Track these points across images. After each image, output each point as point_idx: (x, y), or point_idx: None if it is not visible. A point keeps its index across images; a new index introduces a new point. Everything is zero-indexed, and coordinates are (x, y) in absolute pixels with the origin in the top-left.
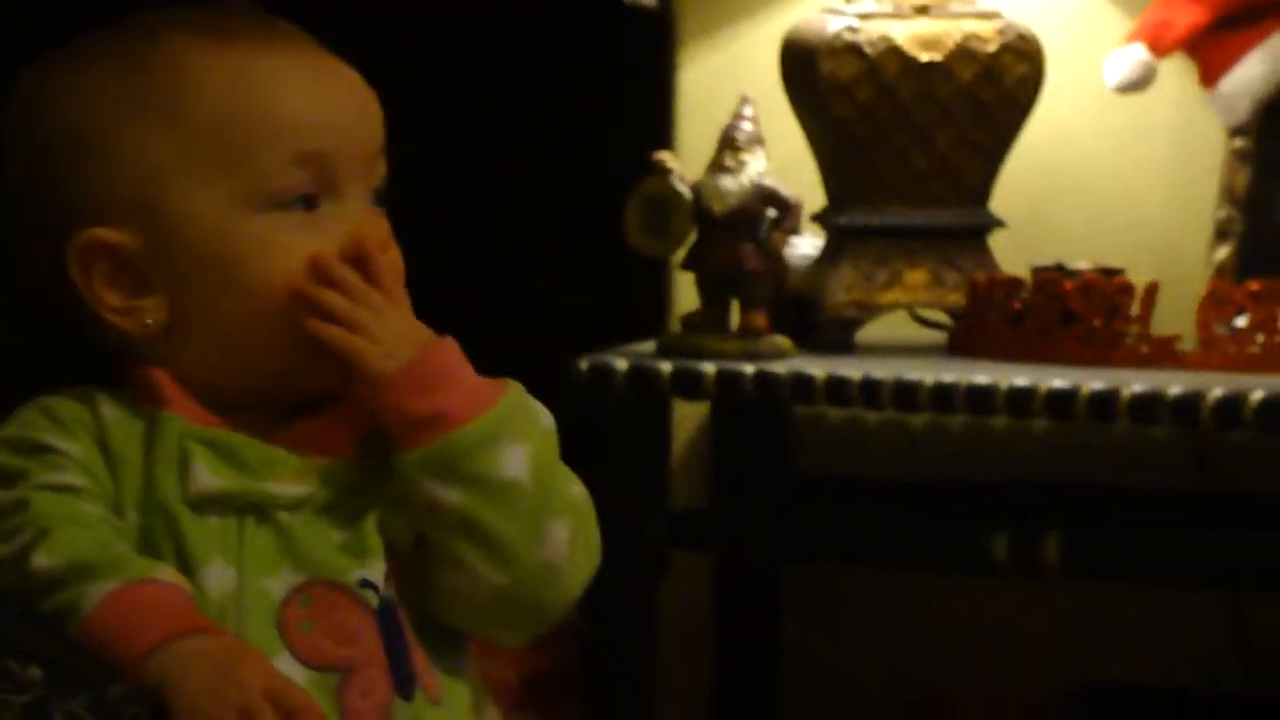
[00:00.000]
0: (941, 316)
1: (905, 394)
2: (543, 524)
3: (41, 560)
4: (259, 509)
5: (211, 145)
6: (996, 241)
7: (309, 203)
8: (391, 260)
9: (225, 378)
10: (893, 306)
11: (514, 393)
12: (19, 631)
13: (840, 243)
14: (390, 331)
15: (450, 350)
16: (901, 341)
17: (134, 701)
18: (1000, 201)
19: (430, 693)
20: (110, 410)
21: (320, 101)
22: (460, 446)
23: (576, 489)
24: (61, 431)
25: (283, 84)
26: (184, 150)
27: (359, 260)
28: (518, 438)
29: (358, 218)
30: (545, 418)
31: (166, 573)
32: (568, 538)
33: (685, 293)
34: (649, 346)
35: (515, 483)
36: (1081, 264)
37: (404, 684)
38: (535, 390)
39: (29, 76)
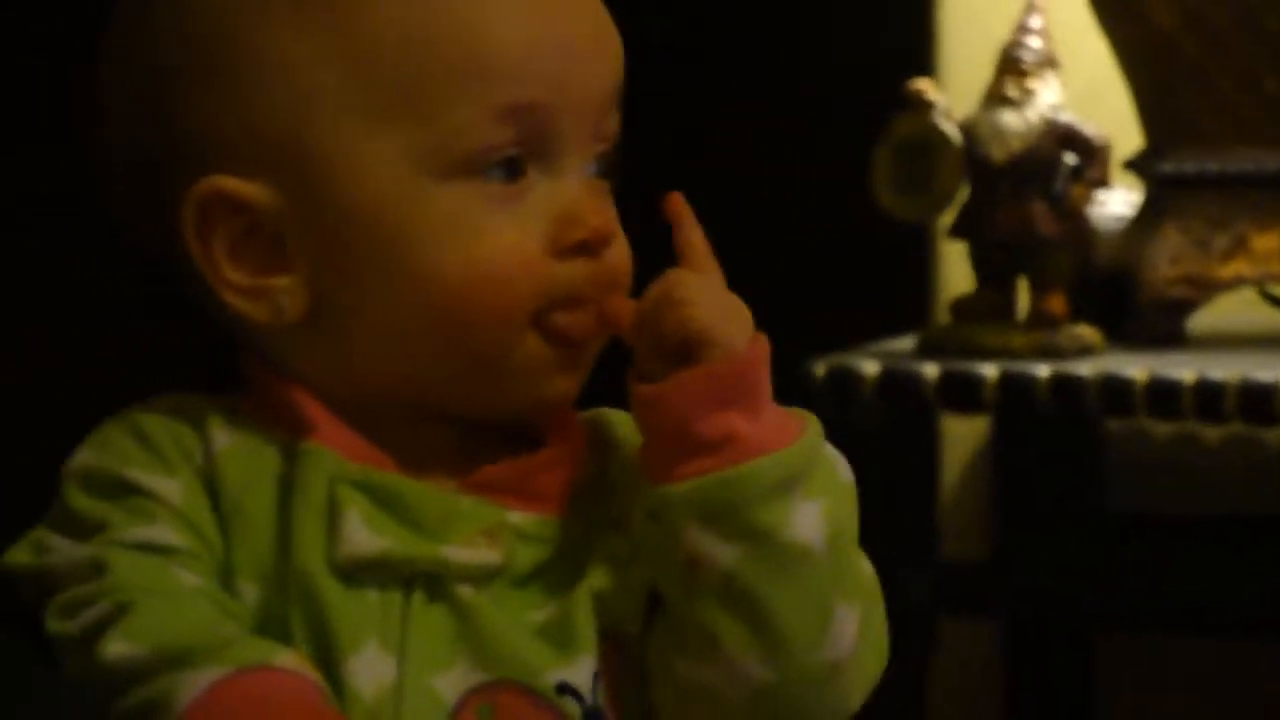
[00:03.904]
0: None
1: (1255, 402)
2: (832, 607)
3: (118, 646)
4: (431, 580)
5: (389, 81)
6: None
7: (512, 169)
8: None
9: (383, 393)
10: (1236, 283)
11: (814, 429)
12: None
13: (1163, 198)
14: (722, 305)
15: (764, 351)
16: (1249, 331)
17: None
18: None
19: None
20: (226, 435)
21: (541, 36)
22: (748, 486)
23: (866, 566)
24: (157, 464)
25: (492, 10)
26: (351, 81)
27: (580, 248)
28: (815, 491)
29: (575, 194)
30: (844, 469)
31: (288, 658)
32: (857, 629)
33: (955, 269)
34: (907, 343)
35: (806, 549)
36: None
37: None
38: None
39: None
